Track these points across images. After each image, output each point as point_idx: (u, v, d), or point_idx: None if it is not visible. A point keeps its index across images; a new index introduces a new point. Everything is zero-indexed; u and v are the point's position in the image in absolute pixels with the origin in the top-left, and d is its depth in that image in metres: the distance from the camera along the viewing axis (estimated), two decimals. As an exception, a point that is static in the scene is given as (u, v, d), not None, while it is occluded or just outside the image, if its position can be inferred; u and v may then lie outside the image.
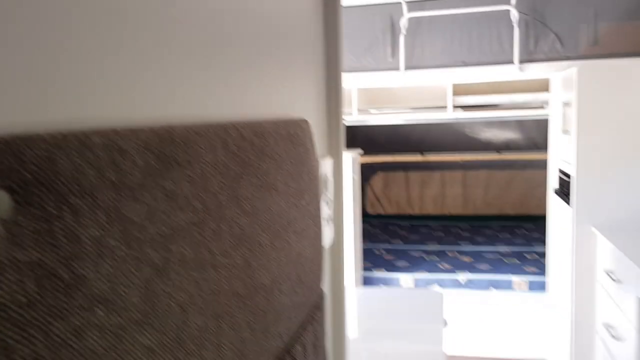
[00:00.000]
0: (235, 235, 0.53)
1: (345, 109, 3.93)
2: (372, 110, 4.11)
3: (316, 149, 0.80)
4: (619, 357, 2.44)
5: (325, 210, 0.89)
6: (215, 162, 0.49)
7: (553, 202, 3.52)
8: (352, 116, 4.01)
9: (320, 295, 0.78)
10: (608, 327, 2.54)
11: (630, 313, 2.27)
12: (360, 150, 3.94)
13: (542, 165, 5.13)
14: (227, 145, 0.52)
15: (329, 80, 0.99)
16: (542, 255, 4.18)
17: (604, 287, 2.66)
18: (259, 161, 0.58)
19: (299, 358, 0.66)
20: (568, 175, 3.03)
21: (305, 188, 0.73)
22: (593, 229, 2.80)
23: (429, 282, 3.90)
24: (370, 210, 5.97)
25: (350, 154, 3.64)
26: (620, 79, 2.75)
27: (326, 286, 0.94)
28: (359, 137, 5.45)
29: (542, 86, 3.78)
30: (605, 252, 2.70)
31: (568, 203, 2.98)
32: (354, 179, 3.67)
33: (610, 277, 2.48)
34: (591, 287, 2.85)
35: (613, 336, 2.44)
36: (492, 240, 4.77)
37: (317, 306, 0.76)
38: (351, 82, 3.92)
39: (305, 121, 0.77)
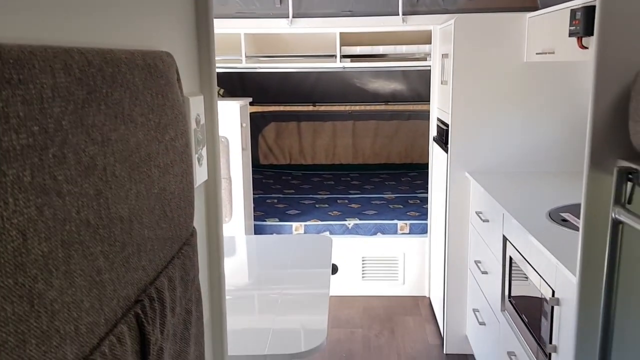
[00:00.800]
0: (83, 163, 0.52)
1: (233, 55, 3.85)
2: (262, 58, 4.07)
3: (181, 84, 0.79)
4: (485, 289, 2.69)
5: (197, 149, 0.89)
6: (54, 85, 0.47)
7: (433, 150, 3.72)
8: (241, 63, 3.95)
9: (190, 232, 0.79)
10: (478, 263, 2.78)
11: (495, 249, 2.50)
12: (249, 99, 3.90)
13: (426, 115, 5.39)
14: (70, 69, 0.50)
15: (198, 16, 0.97)
16: (424, 200, 4.44)
17: (475, 227, 2.90)
18: (110, 89, 0.57)
19: (164, 291, 0.67)
20: (446, 125, 3.21)
21: (169, 122, 0.72)
22: (467, 174, 3.01)
23: (319, 229, 4.02)
24: (263, 161, 5.98)
25: (239, 102, 3.60)
26: (494, 33, 2.92)
27: (199, 224, 0.94)
28: (249, 85, 5.39)
29: (425, 38, 3.93)
30: (476, 195, 2.92)
31: (444, 150, 3.17)
32: (242, 127, 3.65)
33: (480, 218, 2.71)
34: (464, 228, 3.08)
35: (482, 271, 2.68)
36: (379, 188, 4.99)
37: (188, 242, 0.76)
38: (239, 28, 3.84)
39: (168, 54, 0.75)
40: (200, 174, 0.88)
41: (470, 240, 3.03)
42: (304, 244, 2.75)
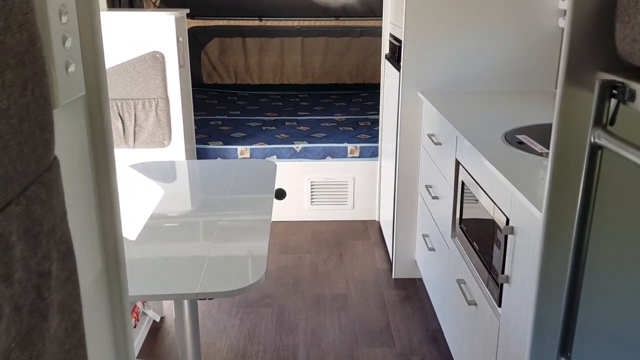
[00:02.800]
0: None
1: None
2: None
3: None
4: (436, 214, 2.59)
5: (60, 53, 0.65)
6: None
7: (385, 69, 3.51)
8: (177, -29, 3.55)
9: (46, 166, 0.58)
10: (429, 187, 2.67)
11: (447, 174, 2.37)
12: (186, 10, 3.55)
13: (379, 32, 5.13)
14: None
15: None
16: (374, 122, 4.28)
17: (427, 151, 2.76)
18: None
19: None
20: (399, 41, 2.99)
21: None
22: (419, 94, 2.84)
23: (266, 153, 3.82)
24: (207, 80, 5.64)
25: (174, 14, 3.26)
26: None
27: (76, 153, 0.73)
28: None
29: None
30: (429, 116, 2.76)
31: (396, 68, 2.97)
32: (179, 41, 3.33)
33: (432, 141, 2.56)
34: (416, 151, 2.95)
35: (432, 196, 2.57)
36: (329, 109, 4.78)
37: (40, 180, 0.56)
38: None
39: None
40: (68, 87, 0.66)
41: (422, 164, 2.90)
42: (246, 170, 2.56)
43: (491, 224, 1.81)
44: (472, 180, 2.02)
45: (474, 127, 2.20)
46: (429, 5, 2.74)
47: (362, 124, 4.29)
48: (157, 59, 3.28)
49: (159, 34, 3.26)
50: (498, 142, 1.99)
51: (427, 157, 2.76)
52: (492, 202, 1.80)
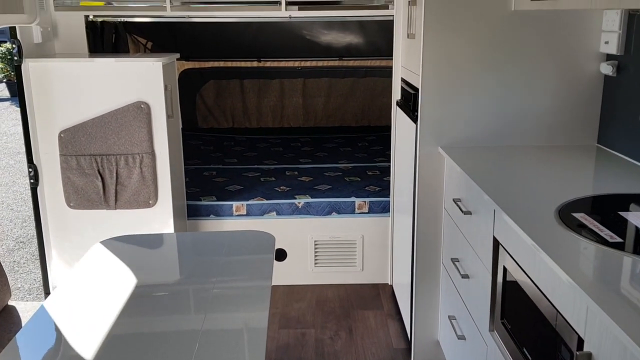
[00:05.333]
0: None
1: (155, 1, 3.10)
2: (192, 5, 3.35)
3: None
4: (466, 296, 2.19)
5: None
6: None
7: (397, 116, 3.15)
8: (166, 11, 3.23)
9: None
10: (455, 261, 2.27)
11: (482, 252, 1.98)
12: (175, 55, 3.21)
13: (384, 72, 4.81)
14: None
15: None
16: (384, 170, 3.91)
17: (452, 217, 2.37)
18: None
19: None
20: (413, 87, 2.63)
21: None
22: (440, 149, 2.46)
23: (264, 209, 3.44)
24: (202, 125, 5.29)
25: (161, 60, 2.91)
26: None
27: None
28: (181, 37, 4.63)
29: (387, -18, 3.30)
30: (453, 177, 2.38)
31: (412, 119, 2.60)
32: (167, 90, 2.97)
33: (460, 208, 2.17)
34: (437, 214, 2.56)
35: (461, 274, 2.17)
36: (333, 156, 4.42)
37: None
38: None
39: None
40: None
41: (445, 230, 2.51)
42: (239, 243, 2.18)
43: (552, 334, 1.41)
44: (521, 270, 1.62)
45: (515, 198, 1.81)
46: (449, 49, 2.39)
47: (370, 173, 3.91)
48: (142, 110, 2.92)
49: (144, 83, 2.91)
50: (551, 223, 1.60)
51: (452, 225, 2.36)
52: (553, 308, 1.41)
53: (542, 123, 2.46)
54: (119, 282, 1.82)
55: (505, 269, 1.76)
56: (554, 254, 1.38)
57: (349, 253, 3.46)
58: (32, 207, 3.10)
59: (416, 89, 2.54)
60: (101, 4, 3.30)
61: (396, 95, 3.16)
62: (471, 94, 2.44)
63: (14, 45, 2.78)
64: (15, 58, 2.81)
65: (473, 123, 2.47)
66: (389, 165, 3.41)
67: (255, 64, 5.03)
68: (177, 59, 3.28)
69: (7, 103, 11.46)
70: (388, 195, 3.42)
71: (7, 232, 4.93)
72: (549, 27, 2.35)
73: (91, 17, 3.29)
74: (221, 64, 5.05)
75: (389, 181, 3.41)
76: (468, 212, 2.11)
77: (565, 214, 1.65)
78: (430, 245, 2.59)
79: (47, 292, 3.18)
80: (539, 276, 1.50)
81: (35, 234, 3.23)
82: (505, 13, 2.35)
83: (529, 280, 1.56)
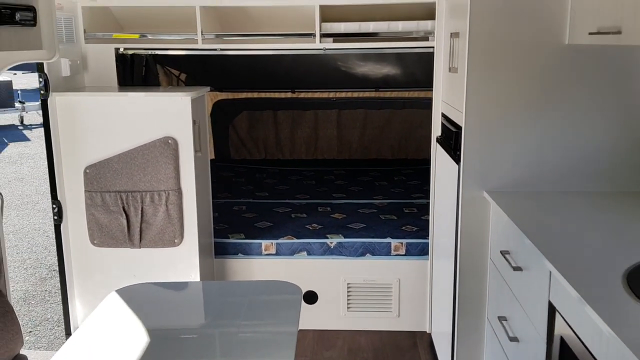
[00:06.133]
0: None
1: (188, 33, 3.01)
2: (225, 38, 3.26)
3: None
4: (515, 358, 1.96)
5: None
6: None
7: (436, 154, 2.96)
8: (197, 44, 3.14)
9: None
10: (502, 320, 2.04)
11: (534, 316, 1.75)
12: (205, 88, 3.11)
13: (423, 104, 4.63)
14: None
15: None
16: (422, 208, 3.70)
17: (499, 271, 2.15)
18: None
19: None
20: (455, 124, 2.45)
21: None
22: (485, 194, 2.26)
23: (294, 248, 3.27)
24: (235, 156, 5.20)
25: (189, 94, 2.81)
26: (525, 4, 2.14)
27: None
28: (213, 69, 4.56)
29: (427, 12, 3.14)
30: (499, 225, 2.17)
31: (454, 159, 2.41)
32: (195, 125, 2.86)
33: (508, 262, 1.96)
34: (482, 264, 2.34)
35: (510, 336, 1.94)
36: (368, 190, 4.23)
37: None
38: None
39: None
40: None
41: (491, 284, 2.29)
42: (262, 296, 2.03)
43: None
44: (582, 346, 1.39)
45: (573, 257, 1.60)
46: (497, 85, 2.20)
47: (407, 211, 3.71)
48: (169, 146, 2.81)
49: (172, 117, 2.80)
50: (619, 292, 1.37)
51: (500, 279, 2.14)
52: (627, 399, 1.18)
53: (602, 166, 2.23)
54: (139, 327, 1.77)
55: (562, 339, 1.54)
56: (625, 336, 1.16)
57: (384, 297, 3.25)
58: (55, 244, 3.01)
59: (459, 127, 2.35)
60: (135, 36, 3.24)
61: (436, 130, 2.97)
62: (520, 133, 2.23)
63: (40, 79, 2.72)
64: (42, 92, 2.75)
65: (522, 166, 2.25)
66: (428, 203, 3.21)
67: (289, 95, 4.92)
68: (210, 90, 3.18)
69: (49, 129, 11.69)
70: (426, 237, 3.21)
71: (41, 259, 4.90)
72: (609, 63, 2.14)
73: (122, 49, 3.22)
74: (254, 94, 4.96)
75: (428, 220, 3.21)
76: (518, 268, 1.89)
77: (636, 280, 1.42)
78: (474, 298, 2.36)
79: (67, 332, 3.07)
80: (606, 356, 1.27)
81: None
82: (558, 47, 2.16)
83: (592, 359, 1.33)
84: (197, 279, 2.95)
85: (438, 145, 2.90)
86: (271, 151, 5.15)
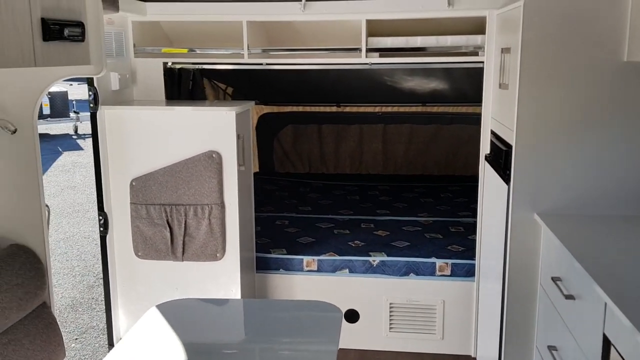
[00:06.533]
0: None
1: (234, 48, 3.03)
2: (271, 52, 3.26)
3: None
4: (565, 393, 1.85)
5: None
6: None
7: (485, 172, 2.87)
8: (243, 58, 3.15)
9: None
10: (553, 350, 1.93)
11: (588, 348, 1.65)
12: (250, 103, 3.11)
13: (471, 119, 4.52)
14: None
15: None
16: (469, 227, 3.59)
17: (550, 297, 2.04)
18: None
19: None
20: (505, 142, 2.36)
21: None
22: (536, 217, 2.16)
23: (336, 265, 3.22)
24: (279, 169, 5.20)
25: (234, 109, 2.81)
26: (581, 19, 2.05)
27: None
28: (259, 82, 4.59)
29: (477, 27, 3.06)
30: (551, 250, 2.06)
31: (504, 179, 2.31)
32: (239, 139, 2.86)
33: (560, 289, 1.85)
34: (531, 292, 2.23)
35: (560, 368, 1.84)
36: (413, 207, 4.14)
37: None
38: (240, 14, 3.05)
39: None
40: None
41: (541, 311, 2.17)
42: (303, 314, 1.99)
43: None
44: (644, 387, 1.29)
45: (631, 289, 1.49)
46: (550, 103, 2.11)
47: (453, 230, 3.60)
48: (213, 160, 2.82)
49: (216, 132, 2.82)
50: (685, 330, 1.26)
51: (550, 306, 2.03)
52: None
53: (662, 190, 2.10)
54: (179, 342, 1.78)
55: (621, 379, 1.43)
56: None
57: (427, 319, 3.15)
58: (100, 255, 3.06)
59: (509, 146, 2.26)
60: (183, 51, 3.28)
61: (485, 148, 2.88)
62: (573, 153, 2.13)
63: (90, 93, 2.78)
64: (91, 105, 2.81)
65: (576, 187, 2.14)
66: (475, 222, 3.10)
67: (334, 109, 4.90)
68: (256, 103, 3.19)
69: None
70: (473, 257, 3.10)
71: (90, 267, 5.01)
72: (672, 80, 2.02)
73: (170, 64, 3.27)
74: (299, 108, 4.96)
75: (475, 240, 3.10)
76: (570, 297, 1.78)
77: None
78: (523, 324, 2.25)
79: (110, 342, 3.10)
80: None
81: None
82: (615, 64, 2.05)
83: (657, 404, 1.23)
84: (238, 293, 2.93)
85: (486, 164, 2.80)
86: (315, 165, 5.13)
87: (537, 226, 2.17)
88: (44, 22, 1.53)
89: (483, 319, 2.86)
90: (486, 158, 2.82)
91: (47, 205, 2.08)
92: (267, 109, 5.01)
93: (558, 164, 2.14)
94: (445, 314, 3.13)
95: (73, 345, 3.69)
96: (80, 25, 1.70)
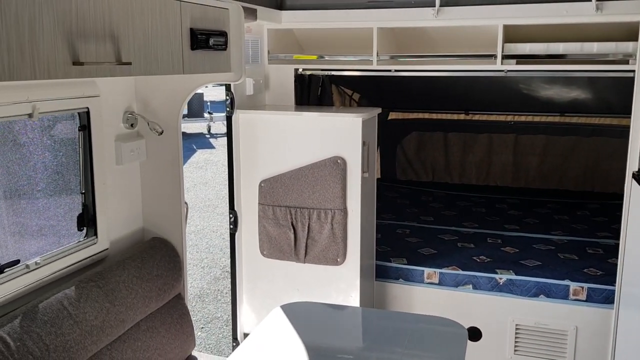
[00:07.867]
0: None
1: (363, 54, 3.05)
2: (400, 59, 3.23)
3: None
4: None
5: None
6: None
7: (631, 191, 2.61)
8: (372, 65, 3.15)
9: None
10: None
11: None
12: (377, 109, 3.10)
13: (616, 132, 4.16)
14: None
15: None
16: (608, 250, 3.29)
17: None
18: None
19: None
20: (660, 160, 2.12)
21: None
22: (696, 245, 1.91)
23: (459, 280, 3.10)
24: (401, 176, 5.14)
25: (361, 116, 2.81)
26: None
27: None
28: (385, 88, 4.56)
29: (628, 33, 2.79)
30: None
31: (658, 201, 2.09)
32: (364, 146, 2.85)
33: None
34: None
35: None
36: (545, 224, 3.89)
37: None
38: (371, 20, 3.04)
39: None
40: None
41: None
42: (426, 328, 1.93)
43: None
44: None
45: None
46: None
47: (590, 251, 3.33)
48: (338, 165, 2.84)
49: (342, 138, 2.83)
50: None
51: None
52: None
53: None
54: (300, 344, 1.82)
55: None
56: None
57: (557, 345, 2.93)
58: (229, 251, 3.20)
59: (664, 164, 2.03)
60: (314, 57, 3.35)
61: (633, 164, 2.62)
62: None
63: (227, 97, 2.92)
64: (228, 109, 2.95)
65: None
66: (616, 244, 2.83)
67: (462, 116, 4.74)
68: (382, 110, 3.17)
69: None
70: (612, 283, 2.83)
71: (217, 260, 5.29)
72: None
73: (300, 70, 3.35)
74: (425, 115, 4.87)
75: (615, 264, 2.83)
76: None
77: None
78: (673, 365, 2.01)
79: (234, 335, 3.24)
80: None
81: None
82: None
83: None
84: (357, 300, 2.93)
85: (634, 182, 2.55)
86: (439, 174, 5.00)
87: (696, 256, 1.93)
88: (192, 32, 1.62)
89: (622, 350, 2.61)
90: (634, 176, 2.57)
91: (185, 202, 2.22)
92: (392, 115, 4.98)
93: None
94: (577, 342, 2.89)
95: (199, 333, 3.91)
96: (224, 34, 1.79)
